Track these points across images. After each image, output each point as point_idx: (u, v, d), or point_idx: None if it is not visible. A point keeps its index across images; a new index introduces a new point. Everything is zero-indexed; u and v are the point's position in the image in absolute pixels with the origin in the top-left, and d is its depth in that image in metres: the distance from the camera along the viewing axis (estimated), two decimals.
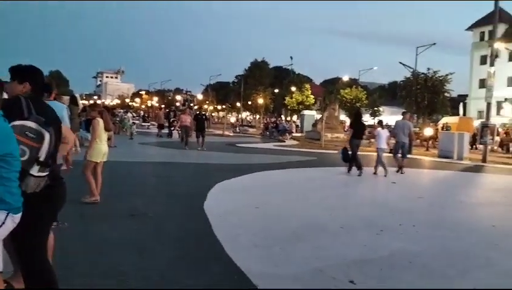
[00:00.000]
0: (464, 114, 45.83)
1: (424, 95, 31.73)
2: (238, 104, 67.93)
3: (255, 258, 4.63)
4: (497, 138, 27.13)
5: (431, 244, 5.53)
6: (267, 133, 36.76)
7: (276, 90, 64.07)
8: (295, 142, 28.40)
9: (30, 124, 2.69)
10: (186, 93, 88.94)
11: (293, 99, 55.54)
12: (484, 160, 18.88)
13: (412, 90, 28.87)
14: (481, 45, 51.45)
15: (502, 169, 16.62)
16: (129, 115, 32.53)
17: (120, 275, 3.96)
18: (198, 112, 20.57)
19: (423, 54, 27.98)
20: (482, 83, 43.27)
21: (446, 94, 33.39)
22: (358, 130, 12.78)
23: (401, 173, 12.73)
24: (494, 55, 20.76)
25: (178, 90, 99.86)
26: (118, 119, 28.09)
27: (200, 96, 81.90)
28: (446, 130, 26.57)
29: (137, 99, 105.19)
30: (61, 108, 4.53)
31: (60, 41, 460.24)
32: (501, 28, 46.26)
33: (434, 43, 28.50)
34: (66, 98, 12.71)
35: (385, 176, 11.99)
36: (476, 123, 32.09)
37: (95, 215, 6.15)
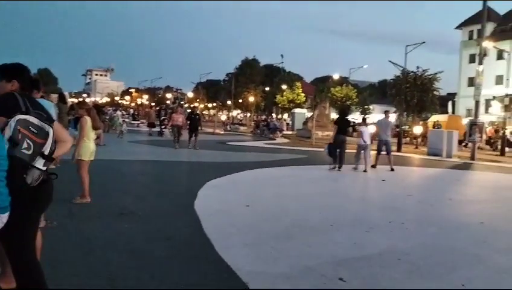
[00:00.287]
0: (453, 112, 46.30)
1: (414, 94, 31.88)
2: (229, 102, 67.83)
3: (245, 256, 4.63)
4: (484, 136, 27.41)
5: (420, 241, 5.57)
6: (258, 131, 36.76)
7: (267, 89, 64.07)
8: (286, 140, 28.45)
9: (32, 119, 2.72)
10: (176, 91, 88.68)
11: (284, 97, 55.60)
12: (473, 158, 19.07)
13: (401, 88, 28.99)
14: (470, 44, 51.90)
15: (490, 166, 16.79)
16: (118, 113, 32.33)
17: (109, 275, 3.94)
18: (191, 112, 20.20)
19: (413, 52, 28.05)
20: (471, 81, 43.67)
21: (435, 92, 33.58)
22: (342, 126, 13.17)
23: (372, 167, 13.32)
24: (483, 54, 20.96)
25: (168, 88, 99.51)
26: (107, 117, 27.89)
27: (190, 94, 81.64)
28: (437, 128, 26.76)
29: (127, 97, 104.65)
30: (48, 106, 4.49)
31: (48, 39, 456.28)
32: (489, 27, 46.82)
33: (423, 42, 28.59)
34: (55, 96, 12.60)
35: (355, 168, 12.81)
36: (465, 121, 32.41)
37: (84, 215, 6.10)
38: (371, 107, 57.76)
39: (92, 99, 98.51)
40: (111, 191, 8.03)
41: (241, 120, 68.07)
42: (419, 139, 27.45)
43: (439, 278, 4.26)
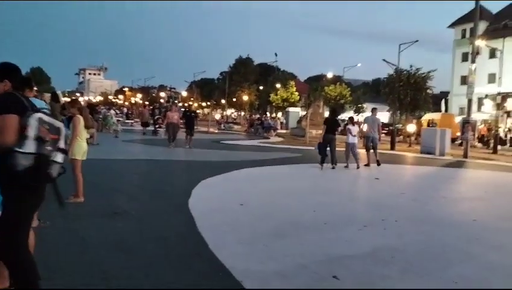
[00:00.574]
0: (446, 110, 46.55)
1: (407, 92, 31.98)
2: (223, 101, 67.77)
3: (239, 255, 4.64)
4: (476, 134, 27.62)
5: (413, 239, 5.60)
6: (252, 130, 36.76)
7: (261, 87, 64.07)
8: (280, 139, 28.46)
9: (44, 117, 2.84)
10: (170, 90, 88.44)
11: (278, 96, 55.63)
12: (465, 156, 19.19)
13: (395, 87, 29.10)
14: (463, 42, 52.12)
15: (482, 164, 16.90)
16: (112, 112, 32.20)
17: (103, 274, 3.93)
18: (187, 110, 20.05)
19: (406, 51, 28.16)
20: (464, 80, 43.95)
21: (428, 91, 33.70)
22: (331, 126, 13.41)
23: (366, 166, 13.53)
24: (475, 53, 21.08)
25: (162, 87, 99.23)
26: (100, 116, 27.76)
27: (184, 93, 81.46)
28: (432, 126, 26.90)
29: (121, 96, 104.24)
30: (40, 105, 4.46)
31: (41, 37, 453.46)
32: (482, 26, 47.00)
33: (416, 41, 28.72)
34: (48, 95, 12.52)
35: (346, 167, 13.05)
36: (458, 119, 32.61)
37: (77, 214, 6.07)
38: (364, 105, 57.81)
39: (86, 98, 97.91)
40: (104, 190, 8.00)
41: (235, 119, 68.03)
42: (412, 138, 27.58)
43: (432, 275, 4.29)
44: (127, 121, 42.69)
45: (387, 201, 8.22)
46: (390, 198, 8.59)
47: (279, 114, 58.72)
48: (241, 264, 4.30)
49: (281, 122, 46.69)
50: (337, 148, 13.39)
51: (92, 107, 24.86)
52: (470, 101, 20.95)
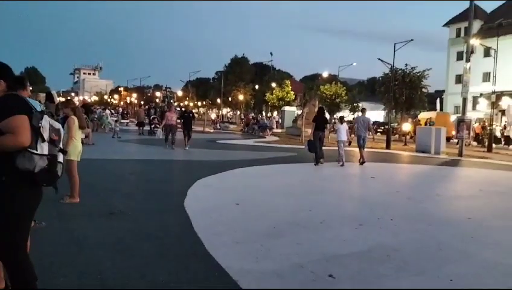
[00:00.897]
0: (441, 109, 46.75)
1: (402, 91, 32.07)
2: (219, 100, 67.68)
3: (235, 254, 4.64)
4: (472, 133, 27.74)
5: (409, 237, 5.62)
6: (248, 129, 36.73)
7: (257, 87, 64.04)
8: (276, 138, 28.47)
9: (49, 119, 2.94)
10: (165, 89, 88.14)
11: (274, 95, 55.62)
12: (460, 154, 19.28)
13: (390, 86, 29.16)
14: (457, 41, 52.29)
15: (477, 163, 16.98)
16: (107, 112, 32.09)
17: (99, 275, 3.92)
18: (184, 110, 19.68)
19: (401, 50, 28.23)
20: (459, 79, 44.09)
21: (423, 90, 33.80)
22: (320, 123, 14.01)
23: (363, 163, 14.06)
24: (470, 51, 21.16)
25: (157, 87, 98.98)
26: (95, 116, 27.67)
27: (180, 93, 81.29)
28: (430, 125, 27.00)
29: (116, 96, 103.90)
30: (35, 104, 4.43)
31: (36, 37, 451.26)
32: (476, 25, 47.20)
33: (411, 40, 28.76)
34: (42, 95, 12.47)
35: (342, 165, 13.45)
36: (453, 118, 32.73)
37: (73, 214, 6.06)
38: (360, 104, 57.92)
39: (81, 98, 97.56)
40: (100, 190, 7.98)
41: (230, 118, 67.96)
42: (408, 136, 27.66)
43: (427, 273, 4.31)
44: (122, 121, 42.53)
45: (383, 200, 8.25)
46: (386, 197, 8.62)
47: (275, 113, 58.73)
48: (237, 264, 4.31)
49: (277, 121, 46.71)
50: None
51: (87, 107, 24.78)
52: (464, 100, 21.04)
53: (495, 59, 29.26)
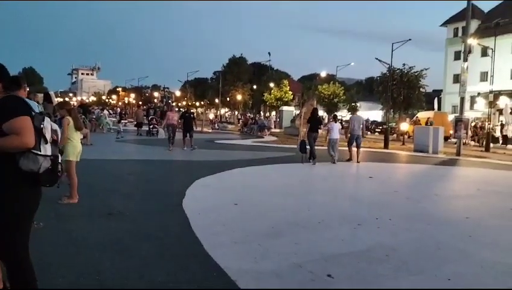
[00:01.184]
0: (439, 109, 46.81)
1: (400, 91, 32.10)
2: (217, 100, 67.65)
3: (234, 254, 4.64)
4: (469, 132, 27.81)
5: (407, 237, 5.63)
6: (246, 129, 36.71)
7: (255, 87, 64.01)
8: (274, 138, 28.47)
9: (51, 122, 3.02)
10: (163, 89, 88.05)
11: (272, 95, 55.61)
12: (458, 153, 19.31)
13: (388, 85, 29.19)
14: (455, 41, 52.39)
15: (475, 162, 17.00)
16: (105, 112, 32.07)
17: (98, 275, 3.92)
18: (185, 110, 19.33)
19: (399, 50, 28.37)
20: (456, 78, 44.16)
21: (421, 89, 33.82)
22: (314, 124, 14.38)
23: (358, 163, 14.61)
24: (468, 51, 21.19)
25: (155, 87, 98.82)
26: (94, 116, 27.64)
27: (178, 93, 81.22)
28: (430, 124, 27.02)
29: (114, 96, 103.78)
30: (33, 105, 4.42)
31: (34, 37, 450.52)
32: (474, 24, 47.31)
33: (409, 39, 28.81)
34: (40, 96, 12.44)
35: (334, 163, 13.96)
36: (451, 117, 32.76)
37: (71, 215, 6.06)
38: (358, 104, 57.96)
39: (79, 98, 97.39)
40: (98, 191, 7.97)
41: (228, 118, 67.93)
42: (405, 136, 27.68)
43: (426, 273, 4.32)
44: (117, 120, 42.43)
45: (381, 199, 8.26)
46: (384, 196, 8.63)
47: (273, 113, 58.71)
48: (236, 264, 4.31)
49: (274, 121, 46.69)
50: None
51: (84, 107, 24.75)
52: (462, 100, 21.06)
53: (492, 59, 29.32)
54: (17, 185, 2.74)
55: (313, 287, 3.88)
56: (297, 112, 40.34)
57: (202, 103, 75.68)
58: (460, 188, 10.74)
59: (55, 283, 3.70)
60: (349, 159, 14.89)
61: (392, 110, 33.17)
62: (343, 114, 51.22)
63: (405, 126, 28.66)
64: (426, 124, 28.35)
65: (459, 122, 20.41)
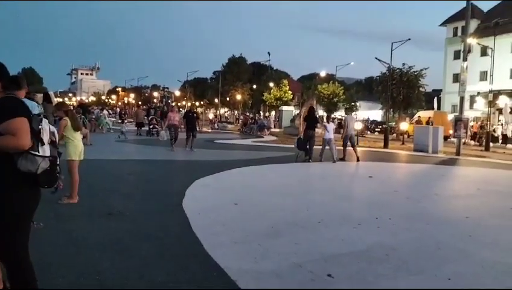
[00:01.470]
0: (439, 108, 46.76)
1: (400, 90, 32.13)
2: (216, 100, 67.64)
3: (234, 254, 4.64)
4: (469, 131, 27.84)
5: (407, 237, 5.63)
6: (245, 129, 36.70)
7: (254, 86, 64.02)
8: (273, 138, 28.47)
9: (49, 124, 3.03)
10: (163, 89, 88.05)
11: (271, 95, 55.62)
12: (458, 153, 19.31)
13: (388, 85, 29.19)
14: (454, 40, 52.40)
15: (475, 162, 17.01)
16: (105, 112, 32.05)
17: (98, 275, 3.92)
18: (189, 110, 19.00)
19: (399, 49, 28.34)
20: (456, 78, 44.18)
21: (421, 89, 33.84)
22: (311, 123, 14.74)
23: (358, 161, 14.84)
24: (467, 51, 21.20)
25: (155, 87, 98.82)
26: (93, 116, 27.61)
27: (177, 93, 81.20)
28: (431, 124, 27.05)
29: (114, 96, 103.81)
30: (31, 106, 4.43)
31: (33, 37, 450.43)
32: (473, 24, 47.32)
33: (409, 39, 28.80)
34: (40, 96, 12.44)
35: (334, 162, 14.25)
36: (450, 117, 32.77)
37: (71, 215, 6.05)
38: (357, 104, 57.95)
39: (78, 98, 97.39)
40: (98, 191, 7.98)
41: (227, 118, 67.94)
42: (405, 135, 27.68)
43: (426, 273, 4.31)
44: (119, 121, 42.42)
45: (381, 199, 8.26)
46: (384, 196, 8.63)
47: (273, 113, 58.71)
48: (236, 264, 4.31)
49: (274, 121, 46.69)
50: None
51: (84, 107, 24.73)
52: (462, 99, 21.06)
53: (492, 58, 29.32)
54: (17, 186, 2.75)
55: (313, 287, 3.88)
56: (297, 111, 40.37)
57: (202, 102, 75.72)
58: (460, 187, 10.74)
59: (55, 283, 3.70)
60: (343, 159, 15.15)
61: (391, 109, 33.19)
62: (343, 114, 51.22)
63: (405, 126, 28.66)
64: (427, 123, 28.38)
65: (458, 121, 20.41)
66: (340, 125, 17.42)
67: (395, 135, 32.61)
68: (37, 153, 2.75)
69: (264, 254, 4.69)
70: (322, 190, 9.44)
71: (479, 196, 9.16)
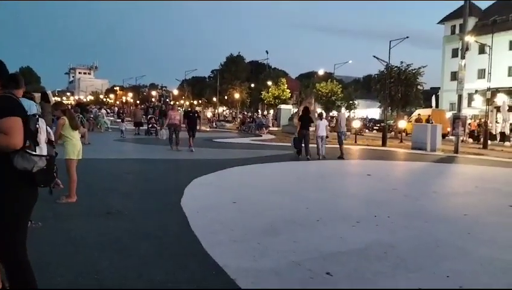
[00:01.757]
0: (437, 106, 46.77)
1: (398, 88, 32.15)
2: (215, 99, 67.58)
3: (232, 253, 4.64)
4: (467, 129, 27.84)
5: (406, 234, 5.64)
6: (244, 128, 36.69)
7: (253, 85, 63.98)
8: (272, 137, 28.47)
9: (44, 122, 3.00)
10: (161, 88, 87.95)
11: (270, 93, 55.60)
12: (456, 151, 19.34)
13: (386, 83, 29.21)
14: (452, 38, 52.45)
15: (473, 159, 17.04)
16: (103, 111, 32.00)
17: (96, 275, 3.92)
18: (189, 109, 18.75)
19: (397, 47, 28.46)
20: (454, 76, 44.18)
21: (419, 87, 33.87)
22: (305, 122, 15.23)
23: (340, 158, 15.07)
24: (465, 49, 21.22)
25: (153, 86, 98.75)
26: (91, 116, 27.55)
27: (175, 92, 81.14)
28: (431, 122, 27.07)
29: (112, 96, 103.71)
30: (28, 105, 4.41)
31: (31, 37, 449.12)
32: (471, 22, 47.40)
33: (407, 37, 28.82)
34: (37, 95, 12.40)
35: (319, 158, 14.65)
36: (448, 115, 32.80)
37: (70, 214, 6.05)
38: (356, 102, 57.96)
39: (76, 97, 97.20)
40: (97, 190, 7.97)
41: (226, 117, 67.92)
42: (403, 133, 27.71)
43: (424, 270, 4.32)
44: (118, 120, 42.33)
45: (379, 197, 8.27)
46: (382, 194, 8.64)
47: (271, 111, 58.73)
48: (235, 262, 4.31)
49: (272, 119, 46.68)
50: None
51: (82, 106, 24.69)
52: (460, 97, 21.09)
53: (490, 56, 29.35)
54: (17, 185, 2.75)
55: (312, 285, 3.88)
56: (296, 110, 40.39)
57: (200, 101, 75.66)
58: (458, 185, 10.75)
59: (54, 282, 3.69)
60: (341, 157, 15.30)
61: (389, 108, 33.20)
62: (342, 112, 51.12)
63: (403, 124, 28.67)
64: (428, 121, 28.41)
65: (456, 119, 20.43)
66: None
67: (393, 133, 32.64)
68: (33, 153, 2.75)
69: (263, 252, 4.69)
70: (321, 188, 9.43)
71: (477, 193, 9.18)
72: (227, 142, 22.64)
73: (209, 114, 57.94)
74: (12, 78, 3.08)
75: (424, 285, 3.93)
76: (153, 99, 74.38)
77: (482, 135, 26.58)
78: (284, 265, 4.30)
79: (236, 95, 59.66)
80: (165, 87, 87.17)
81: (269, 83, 57.30)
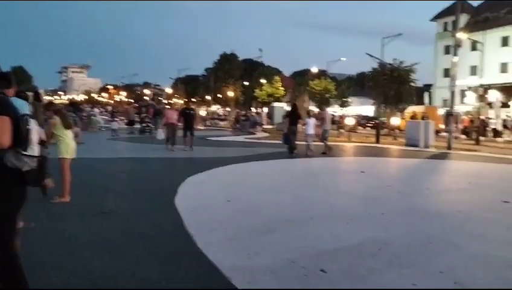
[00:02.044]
0: (430, 103, 47.08)
1: (391, 85, 32.29)
2: (208, 97, 67.52)
3: (227, 251, 4.64)
4: (459, 126, 27.98)
5: (399, 231, 5.66)
6: (238, 126, 36.64)
7: (246, 83, 63.96)
8: (266, 134, 28.48)
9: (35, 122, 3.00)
10: (155, 87, 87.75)
11: (263, 91, 55.63)
12: (449, 147, 19.45)
13: (379, 80, 29.33)
14: (445, 35, 52.68)
15: (466, 156, 17.13)
16: (96, 110, 31.86)
17: (90, 275, 3.90)
18: (185, 107, 18.50)
19: (389, 45, 28.54)
20: (446, 72, 44.42)
21: (412, 84, 34.04)
22: (293, 119, 15.72)
23: (326, 155, 15.47)
24: (457, 45, 21.33)
25: (146, 84, 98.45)
26: (85, 115, 27.41)
27: (169, 90, 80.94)
28: (426, 119, 27.19)
29: (105, 94, 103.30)
30: (21, 105, 4.37)
31: (22, 35, 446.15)
32: (463, 19, 47.56)
33: (400, 34, 29.12)
34: (30, 94, 12.33)
35: (309, 155, 14.86)
36: (441, 111, 32.98)
37: (63, 214, 6.02)
38: (349, 99, 58.12)
39: (69, 96, 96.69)
40: (90, 189, 7.92)
41: (220, 115, 67.89)
42: (397, 130, 27.81)
43: (418, 266, 4.34)
44: (110, 119, 42.10)
45: (373, 194, 8.29)
46: (376, 191, 8.67)
47: (265, 109, 58.77)
48: (229, 261, 4.30)
49: (265, 117, 46.70)
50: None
51: (75, 105, 24.56)
52: (452, 94, 21.21)
53: (482, 53, 29.51)
54: (8, 184, 2.73)
55: (307, 283, 3.89)
56: (289, 108, 40.39)
57: (194, 100, 75.53)
58: (451, 181, 10.81)
59: (47, 282, 3.67)
60: (325, 153, 15.77)
61: (383, 105, 33.34)
62: (335, 109, 51.29)
63: (396, 120, 28.77)
64: (422, 118, 28.55)
65: (449, 116, 20.54)
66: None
67: (386, 130, 32.77)
68: (24, 153, 2.73)
69: (257, 250, 4.69)
70: (314, 185, 9.45)
71: (470, 189, 9.23)
72: (221, 141, 22.63)
73: (203, 112, 57.69)
74: (3, 77, 3.06)
75: (418, 281, 3.94)
76: (147, 98, 74.09)
77: (475, 132, 26.73)
78: (278, 263, 4.31)
79: (230, 94, 59.65)
80: (159, 85, 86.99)
81: (263, 81, 57.31)
